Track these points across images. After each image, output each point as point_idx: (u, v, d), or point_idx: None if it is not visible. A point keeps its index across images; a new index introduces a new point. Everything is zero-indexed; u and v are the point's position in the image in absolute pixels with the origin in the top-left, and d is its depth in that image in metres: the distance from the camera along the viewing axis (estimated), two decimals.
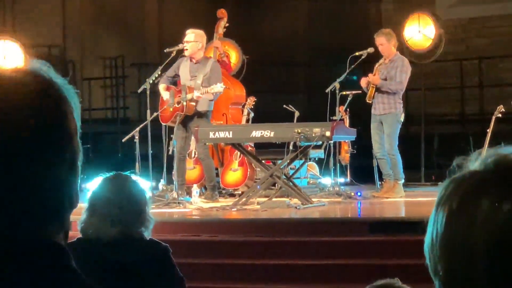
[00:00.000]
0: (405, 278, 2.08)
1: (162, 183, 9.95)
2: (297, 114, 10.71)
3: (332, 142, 9.59)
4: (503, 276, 1.08)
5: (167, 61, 9.58)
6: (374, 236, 7.07)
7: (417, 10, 12.19)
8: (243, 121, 10.47)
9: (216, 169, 10.14)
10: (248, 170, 10.15)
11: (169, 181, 9.77)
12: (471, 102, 14.21)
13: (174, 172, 9.39)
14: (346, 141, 11.00)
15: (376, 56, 9.88)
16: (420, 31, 11.89)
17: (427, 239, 1.15)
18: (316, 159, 10.84)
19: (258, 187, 9.17)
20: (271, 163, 9.82)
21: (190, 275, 4.64)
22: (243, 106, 10.66)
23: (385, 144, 9.60)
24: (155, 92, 9.80)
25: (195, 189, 9.24)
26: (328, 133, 8.40)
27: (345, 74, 9.87)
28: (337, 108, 10.14)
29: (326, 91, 9.93)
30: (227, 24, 10.87)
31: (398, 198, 9.59)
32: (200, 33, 9.52)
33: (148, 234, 3.48)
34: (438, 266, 1.12)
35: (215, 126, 9.71)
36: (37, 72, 1.25)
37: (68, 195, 1.24)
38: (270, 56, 14.72)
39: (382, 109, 9.62)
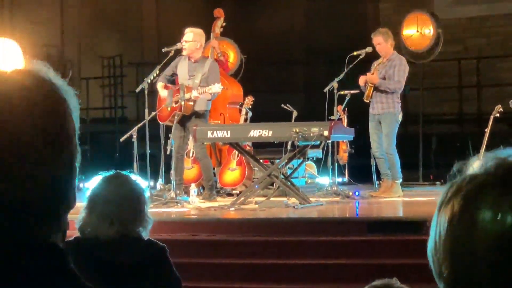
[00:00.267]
0: (404, 278, 2.08)
1: (160, 183, 9.96)
2: (295, 113, 10.70)
3: (330, 141, 9.59)
4: (506, 278, 1.08)
5: (165, 60, 9.58)
6: (372, 235, 7.07)
7: (415, 9, 12.20)
8: (241, 121, 10.47)
9: (214, 168, 10.14)
10: (246, 169, 10.15)
11: (167, 181, 9.77)
12: (469, 102, 14.21)
13: (172, 171, 9.38)
14: (344, 140, 11.00)
15: (374, 56, 9.88)
16: (418, 31, 11.90)
17: (430, 243, 1.16)
18: (314, 158, 10.84)
19: (256, 186, 9.17)
20: (269, 163, 9.82)
21: (188, 275, 4.64)
22: (241, 106, 10.65)
23: (383, 144, 9.60)
24: (153, 92, 9.79)
25: (193, 188, 9.24)
26: (326, 133, 8.40)
27: (343, 73, 9.87)
28: (335, 108, 10.14)
29: (324, 90, 9.94)
30: (224, 24, 10.87)
31: (396, 198, 9.60)
32: (199, 32, 9.51)
33: (146, 234, 3.47)
34: (443, 268, 1.13)
35: (213, 125, 9.71)
36: (38, 73, 1.25)
37: (66, 195, 1.24)
38: (268, 56, 14.72)
39: (380, 108, 9.62)
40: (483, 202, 1.11)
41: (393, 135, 9.61)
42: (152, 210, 6.35)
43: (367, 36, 10.13)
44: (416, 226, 6.76)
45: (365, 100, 9.69)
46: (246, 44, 11.90)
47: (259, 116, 10.37)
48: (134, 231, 3.41)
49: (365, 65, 9.85)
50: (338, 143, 10.99)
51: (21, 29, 13.40)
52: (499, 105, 9.99)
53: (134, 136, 9.28)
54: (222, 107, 10.68)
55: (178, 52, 9.59)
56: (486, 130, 9.82)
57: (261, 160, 9.52)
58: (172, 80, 9.66)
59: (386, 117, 9.59)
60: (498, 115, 9.94)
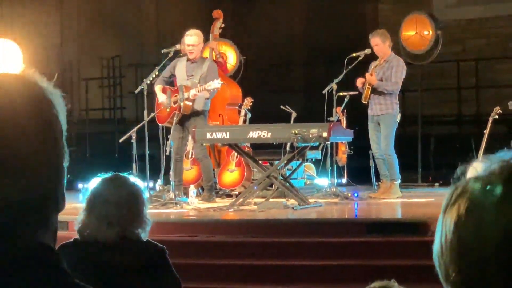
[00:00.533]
0: (402, 279, 2.08)
1: (159, 184, 9.96)
2: (294, 114, 10.70)
3: (329, 143, 9.59)
4: None
5: (164, 61, 9.59)
6: (371, 236, 7.07)
7: (414, 11, 12.21)
8: (240, 122, 10.47)
9: (214, 169, 10.14)
10: (245, 170, 10.15)
11: (166, 182, 9.77)
12: (468, 103, 14.22)
13: (171, 172, 9.39)
14: (343, 142, 11.00)
15: (372, 58, 9.88)
16: (417, 32, 11.90)
17: (436, 246, 1.16)
18: (313, 159, 10.84)
19: (255, 187, 9.17)
20: (268, 164, 9.82)
21: (187, 276, 4.64)
22: (240, 107, 10.66)
23: (382, 145, 9.60)
24: (152, 93, 9.80)
25: (192, 189, 9.24)
26: (325, 134, 8.41)
27: (342, 75, 9.88)
28: (334, 109, 10.14)
29: (323, 92, 9.94)
30: (223, 25, 10.87)
31: (395, 199, 9.59)
32: (200, 33, 9.54)
33: (145, 236, 3.46)
34: (450, 271, 1.14)
35: (212, 126, 9.71)
36: (24, 76, 1.26)
37: (54, 196, 1.25)
38: (267, 57, 14.74)
39: (379, 110, 9.63)
40: (488, 202, 1.12)
41: (391, 136, 9.61)
42: (151, 211, 6.35)
43: (366, 37, 10.14)
44: (415, 227, 6.77)
45: (363, 101, 9.69)
46: (245, 46, 11.91)
47: (258, 117, 10.38)
48: (133, 232, 3.41)
49: (363, 67, 9.86)
50: (337, 144, 10.99)
51: (21, 29, 13.41)
52: (498, 107, 10.00)
53: (133, 137, 9.28)
54: (221, 108, 10.68)
55: (177, 53, 9.60)
56: (485, 131, 9.83)
57: (260, 161, 9.52)
58: (170, 82, 9.66)
59: (384, 119, 9.60)
60: (497, 116, 9.95)
